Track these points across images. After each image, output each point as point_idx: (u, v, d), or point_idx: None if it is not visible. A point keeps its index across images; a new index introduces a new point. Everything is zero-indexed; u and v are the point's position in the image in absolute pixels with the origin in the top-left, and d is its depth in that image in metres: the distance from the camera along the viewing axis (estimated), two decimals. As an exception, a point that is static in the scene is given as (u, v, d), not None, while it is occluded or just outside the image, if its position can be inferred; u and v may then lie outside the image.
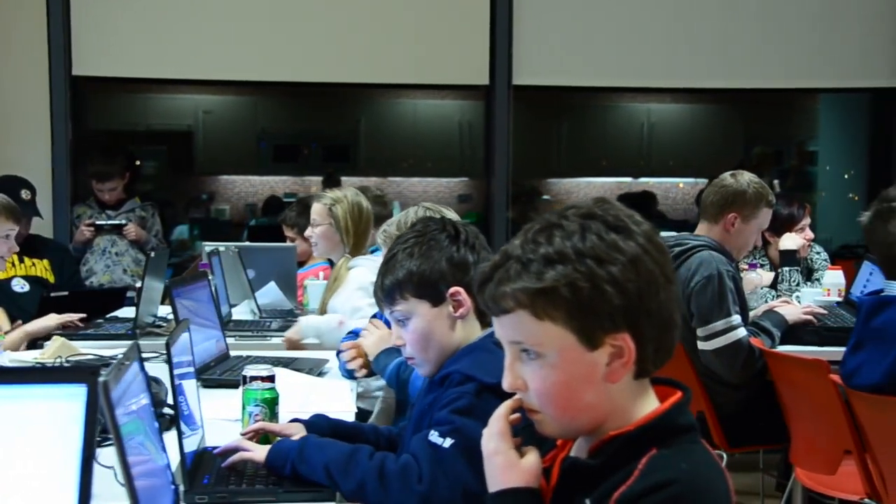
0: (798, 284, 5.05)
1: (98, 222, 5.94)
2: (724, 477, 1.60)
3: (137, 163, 10.78)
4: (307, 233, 4.67)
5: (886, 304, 3.30)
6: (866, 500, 3.56)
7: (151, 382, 2.95)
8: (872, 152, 6.91)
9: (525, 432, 1.69)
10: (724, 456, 4.40)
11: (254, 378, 2.73)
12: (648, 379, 1.67)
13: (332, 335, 3.95)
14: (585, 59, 6.35)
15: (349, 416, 3.00)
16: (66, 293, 5.11)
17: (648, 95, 11.60)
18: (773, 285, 5.12)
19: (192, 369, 2.41)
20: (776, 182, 9.25)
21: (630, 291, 1.55)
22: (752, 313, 4.52)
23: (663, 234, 4.43)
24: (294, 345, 4.11)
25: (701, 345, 4.27)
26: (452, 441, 2.22)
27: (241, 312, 4.95)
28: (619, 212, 1.61)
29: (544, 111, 11.84)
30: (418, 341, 2.43)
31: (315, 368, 3.55)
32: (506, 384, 1.64)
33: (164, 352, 3.28)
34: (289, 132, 11.68)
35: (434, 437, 2.24)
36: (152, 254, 4.72)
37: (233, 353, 3.82)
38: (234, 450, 2.38)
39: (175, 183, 11.61)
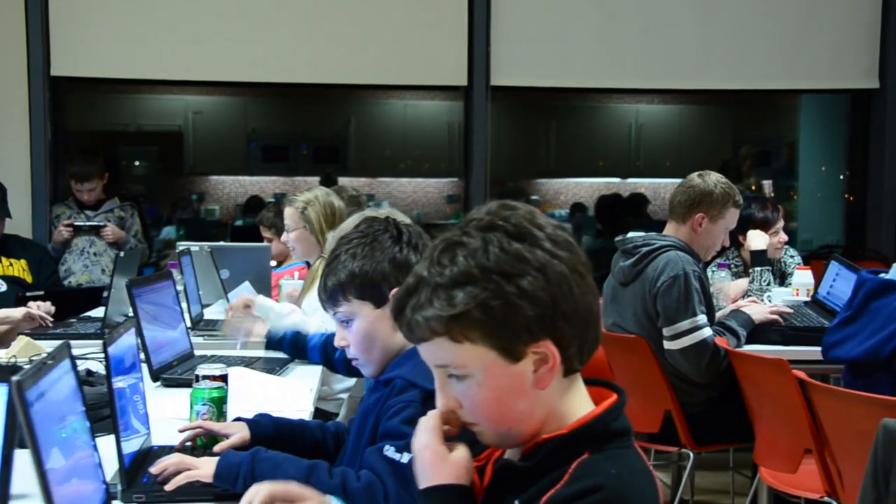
0: (769, 284, 5.07)
1: (76, 223, 5.95)
2: (654, 483, 1.61)
3: (124, 162, 10.89)
4: (283, 238, 4.67)
5: (890, 288, 3.35)
6: (826, 497, 3.59)
7: (96, 382, 2.99)
8: (851, 153, 6.93)
9: (468, 436, 1.70)
10: (692, 455, 4.43)
11: (205, 377, 2.75)
12: (580, 375, 1.68)
13: (278, 320, 3.92)
14: (564, 60, 6.36)
15: (306, 415, 3.02)
16: (41, 293, 5.12)
17: (638, 96, 11.64)
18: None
19: (138, 369, 2.42)
20: (768, 182, 9.27)
21: (543, 300, 1.54)
22: (719, 313, 4.54)
23: (631, 234, 4.49)
24: (238, 308, 4.09)
25: (667, 344, 4.29)
26: (410, 455, 2.22)
27: (215, 312, 4.97)
28: (520, 218, 1.60)
29: (533, 112, 11.87)
30: (361, 342, 2.44)
31: (277, 368, 3.57)
32: (440, 405, 1.65)
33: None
34: (279, 133, 11.70)
35: (391, 452, 2.22)
36: (121, 253, 4.74)
37: (199, 352, 3.83)
38: (176, 468, 2.27)
39: (165, 183, 11.63)
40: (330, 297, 2.44)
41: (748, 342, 4.36)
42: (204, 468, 2.26)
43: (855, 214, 6.84)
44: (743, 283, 5.19)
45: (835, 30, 6.46)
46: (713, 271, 5.37)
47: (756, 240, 5.15)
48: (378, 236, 2.45)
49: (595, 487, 1.51)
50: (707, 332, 4.24)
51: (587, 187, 12.04)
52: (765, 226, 5.20)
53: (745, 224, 5.21)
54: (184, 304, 4.38)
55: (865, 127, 6.63)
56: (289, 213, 4.61)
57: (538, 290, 1.54)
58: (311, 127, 11.78)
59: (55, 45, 6.02)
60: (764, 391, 3.88)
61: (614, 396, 1.68)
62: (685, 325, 4.24)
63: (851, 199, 6.85)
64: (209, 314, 4.89)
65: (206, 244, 5.02)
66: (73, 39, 6.05)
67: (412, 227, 2.50)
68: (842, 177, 7.06)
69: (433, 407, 2.26)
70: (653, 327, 4.36)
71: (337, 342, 2.51)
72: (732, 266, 5.39)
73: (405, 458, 2.19)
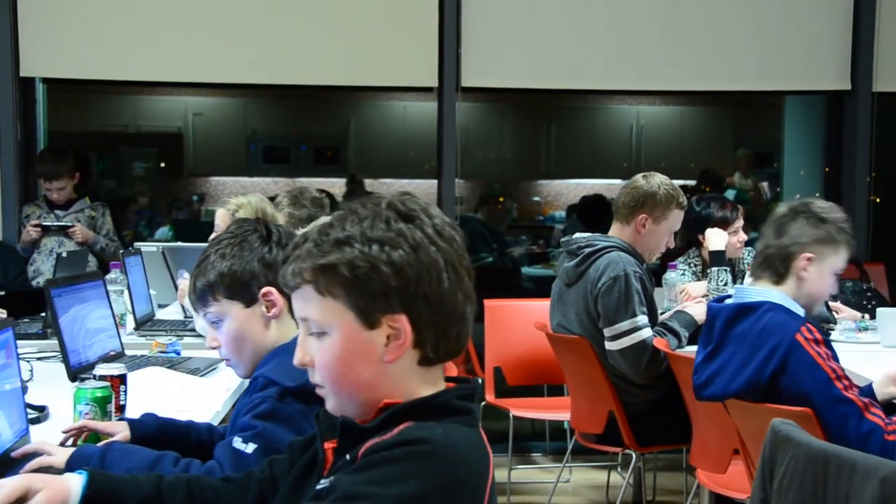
0: (726, 284, 5.03)
1: (44, 223, 5.97)
2: (485, 461, 1.64)
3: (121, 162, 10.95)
4: (210, 238, 4.69)
5: (748, 311, 3.30)
6: (752, 499, 3.57)
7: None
8: (827, 155, 6.89)
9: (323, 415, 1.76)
10: (634, 456, 4.42)
11: (102, 377, 2.76)
12: (441, 372, 1.74)
13: None
14: (535, 61, 6.35)
15: (212, 415, 3.03)
16: (2, 293, 5.16)
17: (640, 98, 11.62)
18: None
19: (14, 369, 2.43)
20: (765, 184, 9.22)
21: (407, 275, 1.62)
22: (666, 314, 4.52)
23: (577, 235, 4.48)
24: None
25: (607, 345, 4.29)
26: (255, 446, 2.24)
27: (172, 313, 4.99)
28: (415, 204, 1.69)
29: (534, 113, 11.88)
30: (232, 343, 2.45)
31: (202, 369, 3.58)
32: (296, 359, 1.73)
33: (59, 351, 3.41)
34: (279, 134, 11.77)
35: (238, 443, 2.26)
36: (63, 253, 4.77)
37: (136, 352, 3.85)
38: (36, 453, 2.32)
39: (165, 184, 11.70)
40: (200, 298, 2.45)
41: (691, 343, 4.33)
42: (60, 456, 2.28)
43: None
44: (703, 284, 5.16)
45: (808, 31, 6.42)
46: (683, 272, 5.37)
47: (714, 239, 5.11)
48: (247, 236, 2.46)
49: (419, 439, 1.57)
50: (647, 332, 4.24)
51: (588, 189, 12.00)
52: (724, 225, 5.16)
53: (704, 223, 5.19)
54: (127, 305, 4.43)
55: (840, 128, 6.60)
56: (220, 215, 4.62)
57: (406, 265, 1.63)
58: (311, 128, 11.85)
59: (32, 45, 6.05)
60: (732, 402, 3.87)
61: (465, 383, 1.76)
62: (625, 325, 4.24)
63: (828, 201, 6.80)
64: (165, 315, 4.91)
65: (160, 244, 5.04)
66: (42, 39, 6.09)
67: (282, 227, 2.52)
68: (819, 178, 7.02)
69: (289, 403, 2.30)
70: (595, 328, 4.36)
71: (209, 343, 2.52)
72: (692, 266, 5.37)
73: (250, 448, 2.23)
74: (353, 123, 11.71)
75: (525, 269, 8.42)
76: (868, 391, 3.33)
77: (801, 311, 3.31)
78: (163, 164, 11.58)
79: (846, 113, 6.50)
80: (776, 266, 3.34)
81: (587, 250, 4.39)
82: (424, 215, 1.68)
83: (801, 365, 3.13)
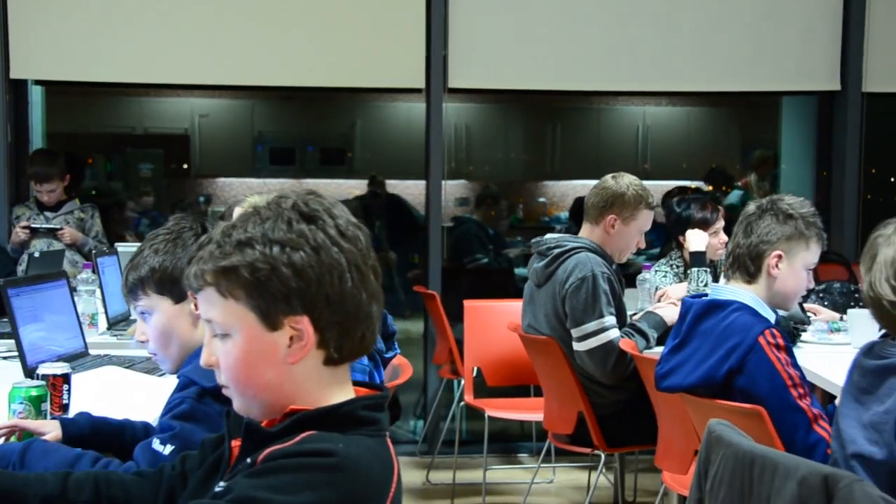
0: (706, 285, 5.01)
1: (33, 225, 6.02)
2: (388, 470, 1.66)
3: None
4: None
5: (716, 308, 3.30)
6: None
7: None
8: (818, 156, 6.87)
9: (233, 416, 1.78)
10: (603, 456, 4.42)
11: (44, 376, 2.79)
12: (348, 373, 1.75)
13: None
14: (523, 62, 6.35)
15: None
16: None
17: (646, 98, 11.60)
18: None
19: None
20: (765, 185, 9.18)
21: (308, 276, 1.63)
22: (638, 315, 4.52)
23: (547, 235, 4.48)
24: None
25: (574, 345, 4.30)
26: (173, 447, 2.27)
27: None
28: (318, 204, 1.70)
29: (540, 114, 11.87)
30: (159, 338, 2.48)
31: (158, 370, 3.59)
32: (202, 361, 1.75)
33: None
34: (285, 135, 11.79)
35: (156, 444, 2.29)
36: (36, 253, 4.80)
37: (101, 352, 3.87)
38: None
39: (172, 186, 11.75)
40: (131, 291, 2.49)
41: (660, 344, 4.32)
42: None
43: (822, 218, 6.77)
44: (684, 286, 5.15)
45: (798, 32, 6.40)
46: (665, 273, 5.36)
47: (695, 240, 5.10)
48: (182, 234, 2.49)
49: (319, 451, 1.58)
50: (613, 333, 4.24)
51: (596, 190, 11.98)
52: (704, 226, 5.15)
53: (685, 225, 5.18)
54: (99, 305, 4.47)
55: (830, 129, 6.58)
56: (237, 213, 4.64)
57: (307, 267, 1.64)
58: (318, 129, 11.88)
59: (17, 47, 6.09)
60: (659, 394, 3.86)
61: (373, 392, 1.78)
62: (592, 326, 4.24)
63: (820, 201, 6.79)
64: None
65: (136, 244, 5.05)
66: (35, 41, 6.12)
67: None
68: (811, 180, 7.00)
69: (208, 404, 2.32)
70: (563, 329, 4.36)
71: (137, 337, 2.55)
72: (674, 267, 5.36)
73: (167, 449, 2.24)
74: (360, 125, 11.72)
75: (518, 270, 8.41)
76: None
77: (770, 315, 3.31)
78: (173, 166, 11.61)
79: (836, 113, 6.48)
80: (747, 266, 3.33)
81: (556, 251, 4.40)
82: (327, 216, 1.69)
83: (760, 367, 3.13)
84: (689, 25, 6.40)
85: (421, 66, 6.25)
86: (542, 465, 5.44)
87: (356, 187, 11.71)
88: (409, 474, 5.96)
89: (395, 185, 11.78)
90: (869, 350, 2.62)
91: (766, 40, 6.41)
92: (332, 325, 1.67)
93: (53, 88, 7.88)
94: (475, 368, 5.43)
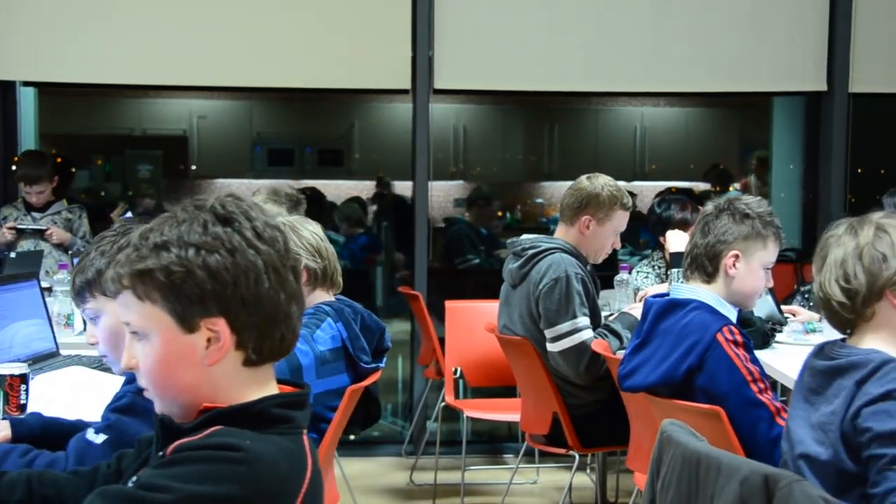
0: (686, 286, 5.03)
1: (20, 226, 6.05)
2: (300, 468, 1.67)
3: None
4: None
5: (676, 307, 3.30)
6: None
7: None
8: (806, 156, 6.86)
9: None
10: (577, 457, 4.42)
11: (2, 377, 2.80)
12: (272, 373, 1.77)
13: None
14: (508, 62, 6.35)
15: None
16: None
17: (644, 99, 11.59)
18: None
19: None
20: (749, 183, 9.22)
21: (224, 278, 1.65)
22: (613, 316, 4.52)
23: (523, 236, 4.49)
24: None
25: (548, 346, 4.30)
26: (105, 437, 2.28)
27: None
28: (235, 207, 1.70)
29: (538, 115, 11.87)
30: (108, 339, 2.48)
31: (126, 369, 3.60)
32: (122, 363, 1.78)
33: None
34: (284, 136, 11.81)
35: (90, 434, 2.31)
36: (13, 254, 4.81)
37: (74, 352, 3.88)
38: None
39: (170, 187, 11.78)
40: (78, 294, 2.49)
41: (633, 344, 4.32)
42: None
43: (809, 218, 6.78)
44: (665, 287, 5.15)
45: (785, 33, 6.39)
46: (647, 274, 5.37)
47: (675, 241, 5.10)
48: (129, 235, 2.48)
49: (225, 445, 1.60)
50: (587, 334, 4.24)
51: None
52: (684, 227, 5.15)
53: (665, 225, 5.20)
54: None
55: (817, 129, 6.58)
56: None
57: (222, 269, 1.65)
58: (316, 130, 11.90)
59: (4, 48, 6.11)
60: (630, 394, 3.86)
61: (290, 390, 1.79)
62: (565, 327, 4.24)
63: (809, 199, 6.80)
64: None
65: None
66: (24, 42, 6.13)
67: None
68: (799, 180, 7.00)
69: (147, 399, 2.31)
70: (537, 329, 4.36)
71: (87, 339, 2.55)
72: (656, 268, 5.36)
73: (99, 438, 2.27)
74: (358, 126, 11.74)
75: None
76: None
77: (730, 312, 3.32)
78: (172, 167, 11.63)
79: (823, 113, 6.47)
80: (704, 266, 3.34)
81: (531, 252, 4.40)
82: (244, 218, 1.69)
83: (719, 365, 3.13)
84: (676, 26, 6.39)
85: (407, 68, 6.25)
86: (523, 465, 5.45)
87: (354, 188, 11.74)
88: (394, 475, 5.98)
89: (393, 187, 11.81)
90: (820, 351, 2.62)
91: (754, 41, 6.40)
92: (250, 326, 1.68)
93: (51, 90, 7.91)
94: (457, 369, 5.42)
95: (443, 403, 5.39)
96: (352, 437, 6.08)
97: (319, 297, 3.49)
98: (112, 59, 6.26)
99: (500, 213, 8.55)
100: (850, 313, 2.52)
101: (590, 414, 4.39)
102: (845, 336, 2.60)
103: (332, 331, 3.40)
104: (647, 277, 5.34)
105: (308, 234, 3.53)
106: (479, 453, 6.15)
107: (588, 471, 5.72)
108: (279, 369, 3.20)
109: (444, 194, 11.94)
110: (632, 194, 8.64)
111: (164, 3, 6.23)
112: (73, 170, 8.45)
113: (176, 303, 1.66)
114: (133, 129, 11.62)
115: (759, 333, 4.29)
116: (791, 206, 6.99)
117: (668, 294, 3.42)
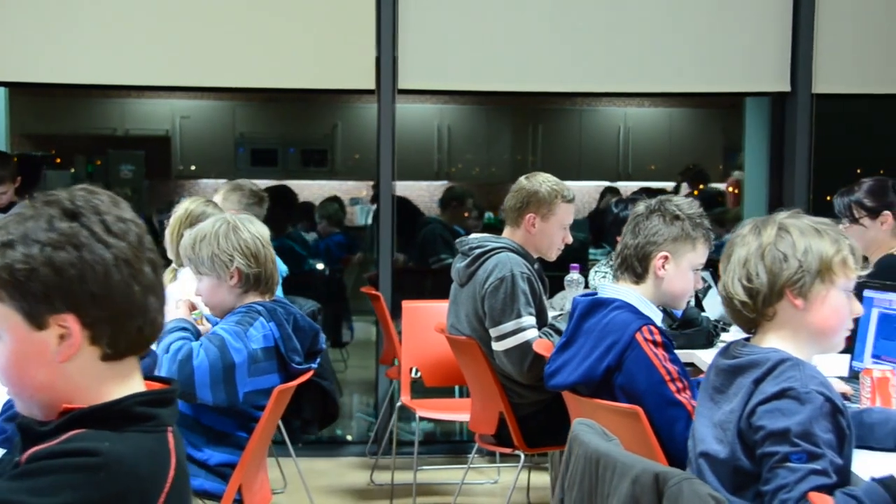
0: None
1: (-22, 227, 6.03)
2: (159, 468, 1.67)
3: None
4: None
5: (599, 306, 3.31)
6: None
7: None
8: (771, 157, 6.86)
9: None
10: (523, 457, 4.42)
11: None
12: (136, 368, 1.77)
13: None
14: (472, 62, 6.34)
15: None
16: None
17: (627, 100, 11.58)
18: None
19: None
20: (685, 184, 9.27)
21: (69, 274, 1.64)
22: (560, 315, 4.52)
23: (472, 235, 4.50)
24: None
25: (493, 345, 4.31)
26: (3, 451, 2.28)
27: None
28: (84, 201, 1.69)
29: (521, 115, 11.87)
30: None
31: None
32: None
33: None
34: (267, 137, 11.80)
35: None
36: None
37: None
38: None
39: (153, 187, 11.78)
40: None
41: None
42: None
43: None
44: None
45: (748, 33, 6.40)
46: (605, 274, 5.36)
47: (630, 241, 5.10)
48: None
49: (82, 451, 1.58)
50: (531, 333, 4.24)
51: (576, 191, 11.94)
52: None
53: (622, 225, 5.16)
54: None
55: (782, 130, 6.60)
56: (175, 217, 4.68)
57: (67, 265, 1.64)
58: (299, 131, 11.89)
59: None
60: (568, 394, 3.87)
61: (157, 386, 1.79)
62: (509, 326, 4.25)
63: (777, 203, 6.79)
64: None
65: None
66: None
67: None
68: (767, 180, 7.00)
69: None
70: (483, 329, 4.37)
71: None
72: (613, 268, 5.35)
73: None
74: (341, 126, 11.74)
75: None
76: None
77: (655, 314, 3.33)
78: (154, 168, 11.63)
79: (787, 114, 6.48)
80: (634, 266, 3.36)
81: (477, 251, 4.41)
82: (93, 213, 1.68)
83: (637, 364, 3.14)
84: (640, 26, 6.39)
85: (371, 68, 6.25)
86: (484, 465, 5.45)
87: (337, 189, 11.75)
88: (355, 475, 5.99)
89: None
90: (725, 350, 2.63)
91: (718, 42, 6.41)
92: (101, 321, 1.67)
93: (34, 91, 7.88)
94: (415, 369, 5.43)
95: (399, 403, 5.39)
96: (312, 437, 6.11)
97: (252, 300, 3.51)
98: (92, 60, 6.23)
99: (466, 214, 8.50)
100: (752, 312, 2.53)
101: (534, 413, 4.39)
102: (749, 336, 2.61)
103: (265, 330, 3.41)
104: (604, 277, 5.33)
105: (248, 236, 3.53)
106: (440, 453, 6.15)
107: (549, 469, 5.72)
108: (212, 368, 3.22)
109: (428, 195, 11.94)
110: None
111: (142, 4, 6.21)
112: (44, 170, 8.42)
113: (23, 301, 1.65)
114: (115, 129, 11.62)
115: (703, 333, 4.30)
116: (759, 204, 6.99)
117: (595, 293, 3.43)
